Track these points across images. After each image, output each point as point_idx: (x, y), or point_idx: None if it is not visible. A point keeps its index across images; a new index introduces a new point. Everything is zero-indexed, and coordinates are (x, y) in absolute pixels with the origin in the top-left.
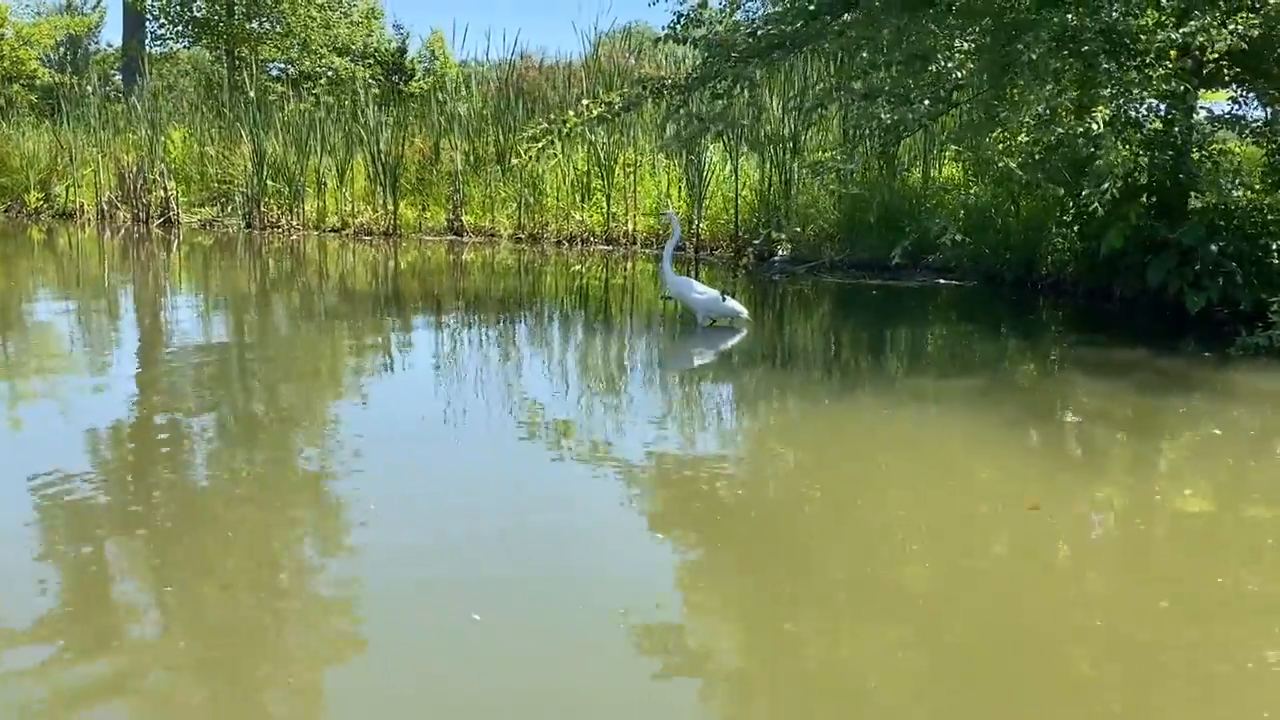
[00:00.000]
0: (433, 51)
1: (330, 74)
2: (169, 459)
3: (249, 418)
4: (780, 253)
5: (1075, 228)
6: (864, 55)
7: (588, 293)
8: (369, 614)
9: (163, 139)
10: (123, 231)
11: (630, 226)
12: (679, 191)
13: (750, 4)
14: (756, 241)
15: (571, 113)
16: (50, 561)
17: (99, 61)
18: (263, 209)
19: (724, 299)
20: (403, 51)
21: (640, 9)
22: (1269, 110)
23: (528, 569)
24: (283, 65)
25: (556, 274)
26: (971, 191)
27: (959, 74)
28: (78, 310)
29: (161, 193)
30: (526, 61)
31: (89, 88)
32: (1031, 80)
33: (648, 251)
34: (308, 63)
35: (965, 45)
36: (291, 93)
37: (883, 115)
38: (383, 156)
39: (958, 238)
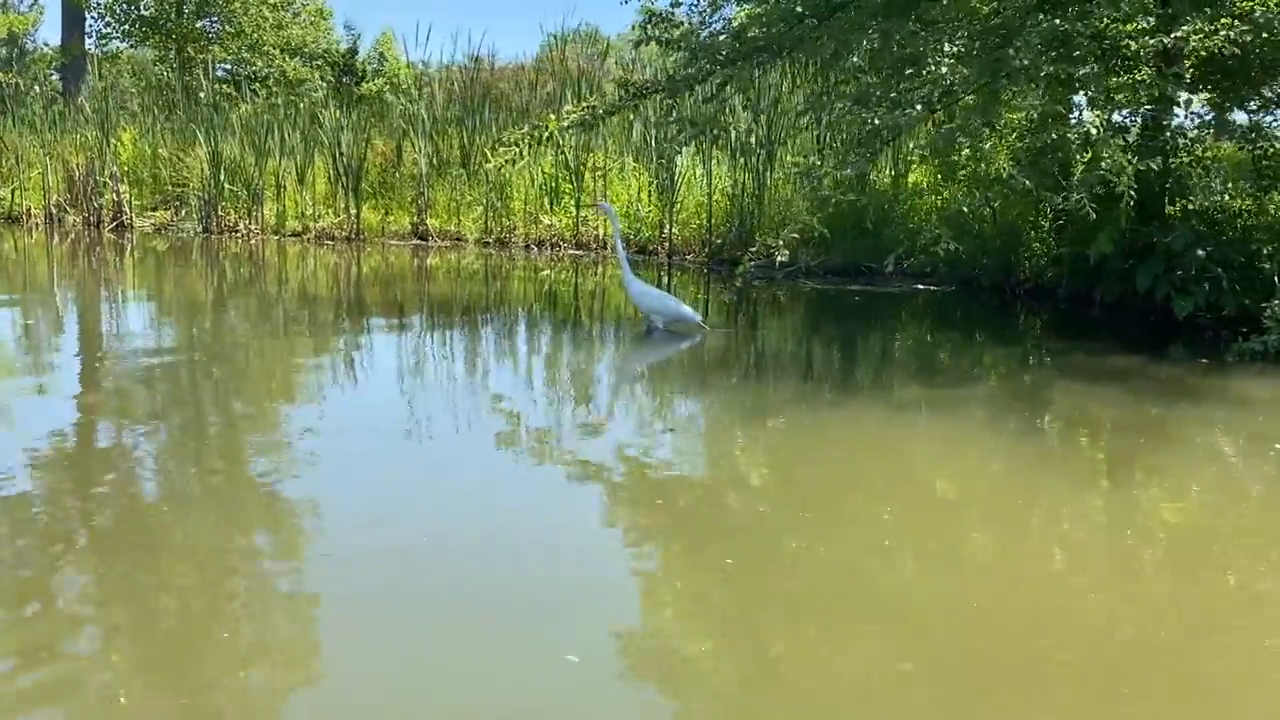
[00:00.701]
0: (382, 53)
1: (278, 75)
2: (114, 468)
3: (199, 426)
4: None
5: (1053, 232)
6: (854, 59)
7: (556, 298)
8: (328, 624)
9: (113, 141)
10: (72, 236)
11: (601, 231)
12: (649, 196)
13: (727, 7)
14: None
15: (553, 116)
16: None
17: (36, 60)
18: (220, 213)
19: (680, 305)
20: (354, 52)
21: (589, 10)
22: (1252, 115)
23: (495, 577)
24: (228, 66)
25: (525, 279)
26: (943, 196)
27: (952, 78)
28: (24, 315)
29: (113, 196)
30: (479, 64)
31: (36, 87)
32: (1026, 84)
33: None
34: (259, 63)
35: (953, 49)
36: (236, 94)
37: (875, 120)
38: (344, 159)
39: (951, 246)
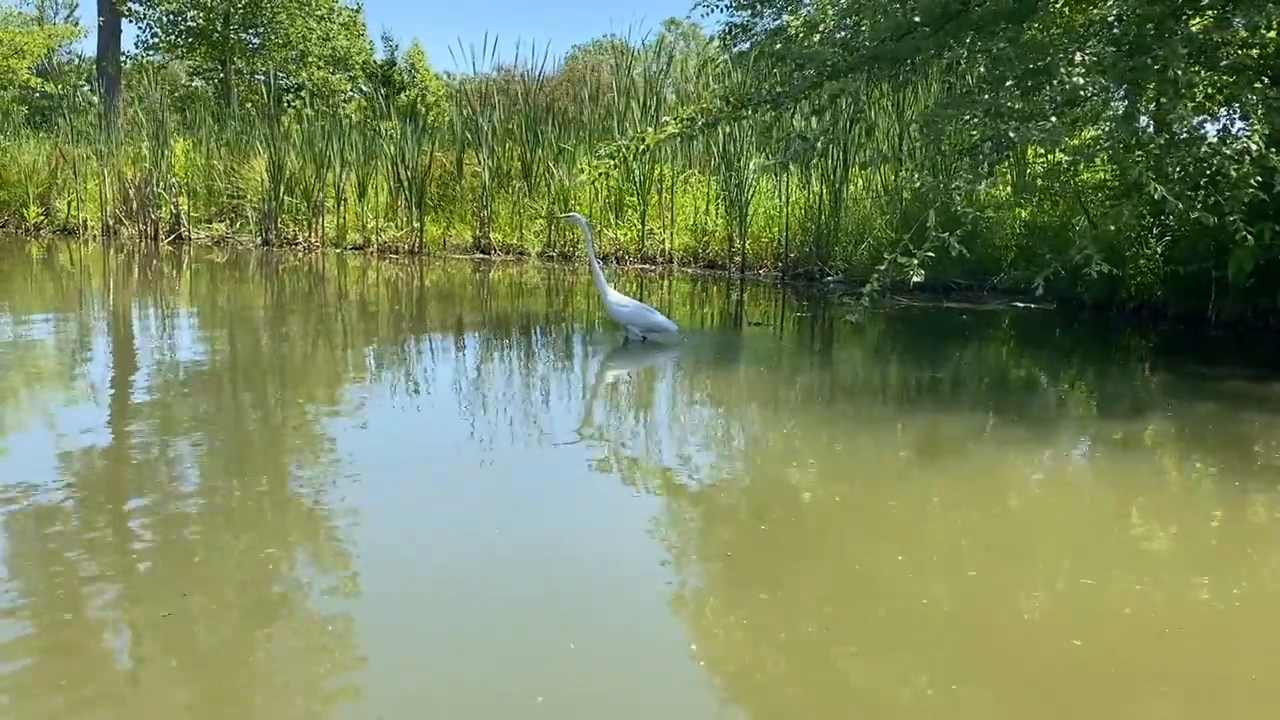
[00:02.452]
0: (413, 64)
1: (312, 87)
2: (160, 481)
3: (250, 437)
4: (831, 274)
5: (1162, 250)
6: (980, 69)
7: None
8: (370, 638)
9: (166, 153)
10: (128, 248)
11: (668, 244)
12: (717, 209)
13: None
14: (803, 259)
15: (651, 129)
16: (23, 584)
17: (70, 72)
18: (279, 225)
19: (656, 315)
20: (391, 63)
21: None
22: None
23: (549, 595)
24: (261, 77)
25: (588, 294)
26: (1025, 212)
27: (1091, 89)
28: (91, 331)
29: (171, 208)
30: (505, 74)
31: (94, 98)
32: (1175, 97)
33: (687, 271)
34: (304, 75)
35: (1085, 58)
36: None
37: (1011, 133)
38: (408, 171)
39: (1105, 269)
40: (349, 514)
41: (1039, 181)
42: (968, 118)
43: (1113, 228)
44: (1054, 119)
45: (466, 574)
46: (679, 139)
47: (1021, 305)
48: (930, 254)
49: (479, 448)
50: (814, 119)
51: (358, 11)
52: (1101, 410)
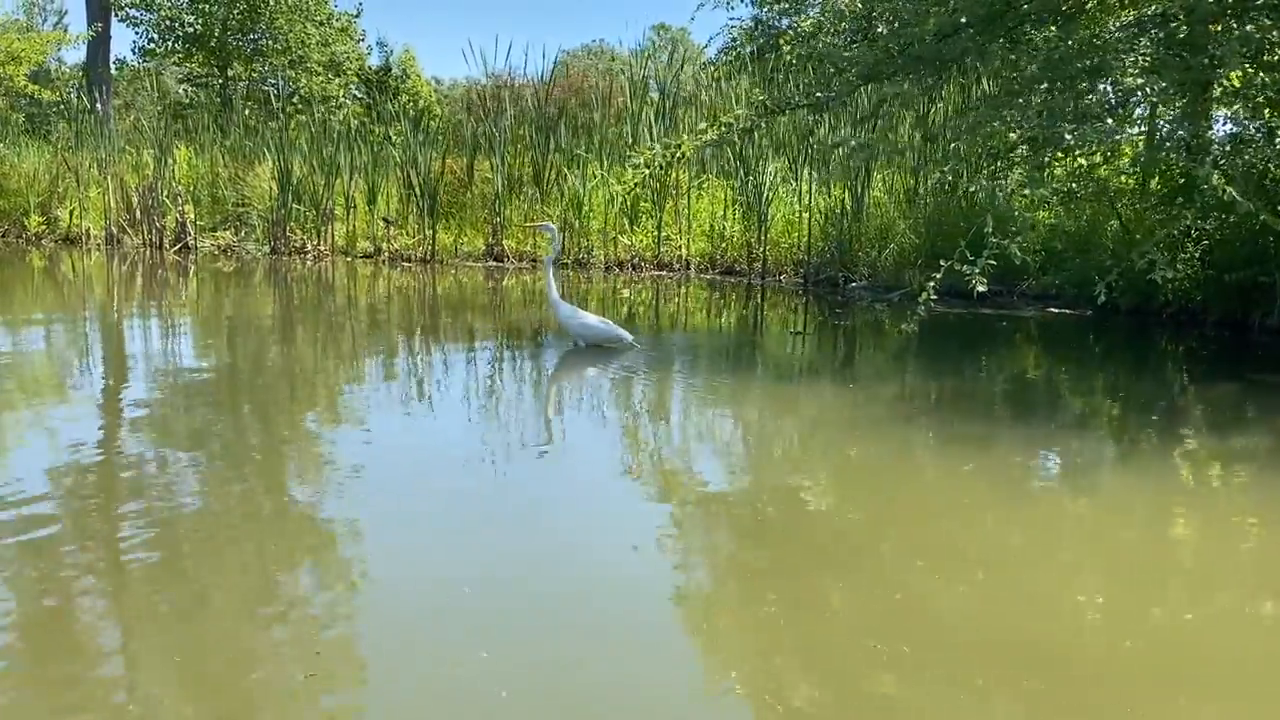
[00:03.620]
0: (404, 70)
1: (305, 92)
2: (160, 492)
3: (251, 453)
4: (854, 280)
5: (1201, 254)
6: (1033, 68)
7: (635, 321)
8: (370, 652)
9: (169, 160)
10: (133, 258)
11: (685, 251)
12: (734, 214)
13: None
14: (826, 265)
15: (686, 135)
16: (13, 599)
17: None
18: (287, 233)
19: (610, 326)
20: (387, 69)
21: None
22: None
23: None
24: (248, 82)
25: (604, 301)
26: (1050, 215)
27: (1146, 90)
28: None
29: (176, 216)
30: (495, 80)
31: (97, 105)
32: (1233, 99)
33: (704, 277)
34: (303, 80)
35: (1139, 59)
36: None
37: (1067, 135)
38: (419, 177)
39: (1170, 274)
40: (349, 525)
41: (1073, 185)
42: (1016, 118)
43: (1166, 232)
44: (1110, 120)
45: (471, 586)
46: (716, 145)
47: (1056, 311)
48: (992, 261)
49: (489, 459)
50: (853, 125)
51: (357, 15)
52: (1181, 423)
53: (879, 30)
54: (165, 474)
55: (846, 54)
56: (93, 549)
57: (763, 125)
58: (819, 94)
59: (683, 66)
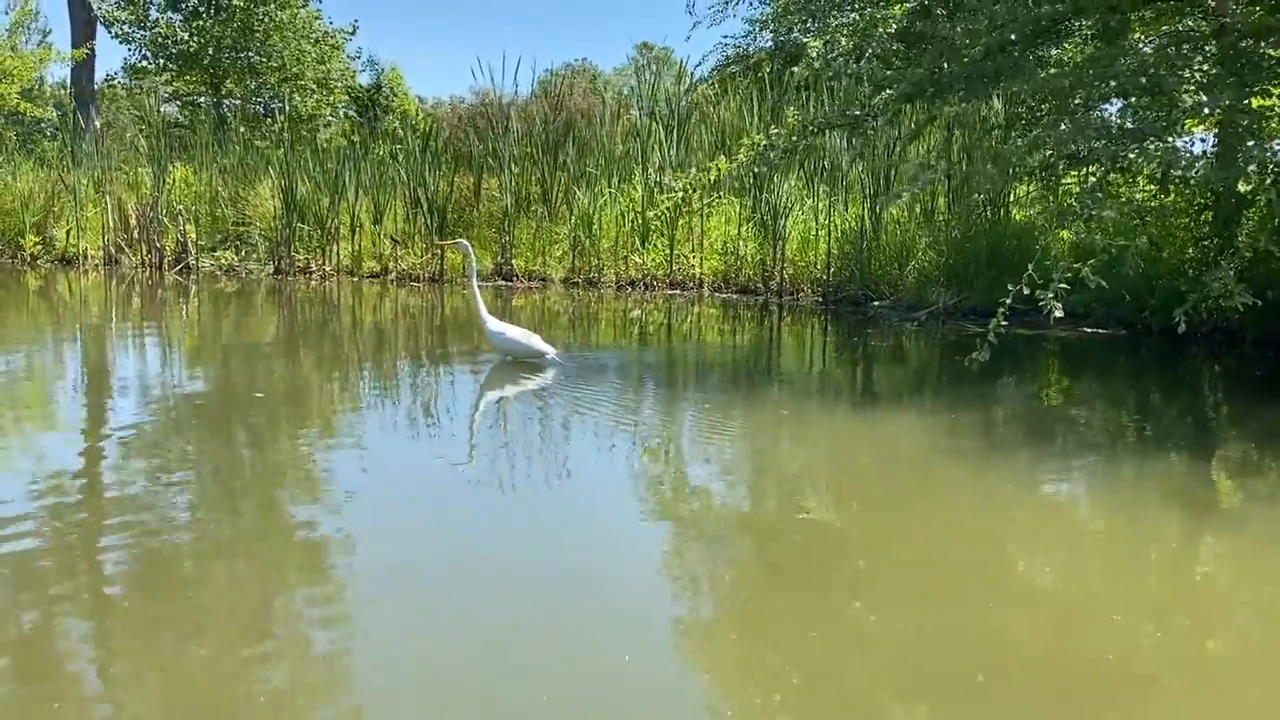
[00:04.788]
0: (392, 88)
1: (296, 111)
2: (153, 515)
3: (250, 474)
4: (877, 299)
5: (1237, 271)
6: (1099, 85)
7: (645, 340)
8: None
9: (166, 179)
10: (131, 278)
11: (698, 269)
12: (748, 232)
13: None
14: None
15: (723, 158)
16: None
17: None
18: (292, 253)
19: (535, 341)
20: (378, 87)
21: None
22: None
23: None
24: (236, 101)
25: (612, 321)
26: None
27: (1208, 106)
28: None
29: (177, 236)
30: (484, 98)
31: (96, 123)
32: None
33: (719, 296)
34: (298, 98)
35: (1196, 75)
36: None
37: (1131, 154)
38: (428, 196)
39: (1251, 300)
40: (345, 544)
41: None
42: (1066, 136)
43: (1264, 245)
44: (1170, 140)
45: (470, 608)
46: (754, 167)
47: (1089, 330)
48: (1064, 285)
49: (499, 484)
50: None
51: (352, 33)
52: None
53: (923, 49)
54: (153, 497)
55: (890, 72)
56: (83, 570)
57: (802, 146)
58: (857, 112)
59: (693, 86)
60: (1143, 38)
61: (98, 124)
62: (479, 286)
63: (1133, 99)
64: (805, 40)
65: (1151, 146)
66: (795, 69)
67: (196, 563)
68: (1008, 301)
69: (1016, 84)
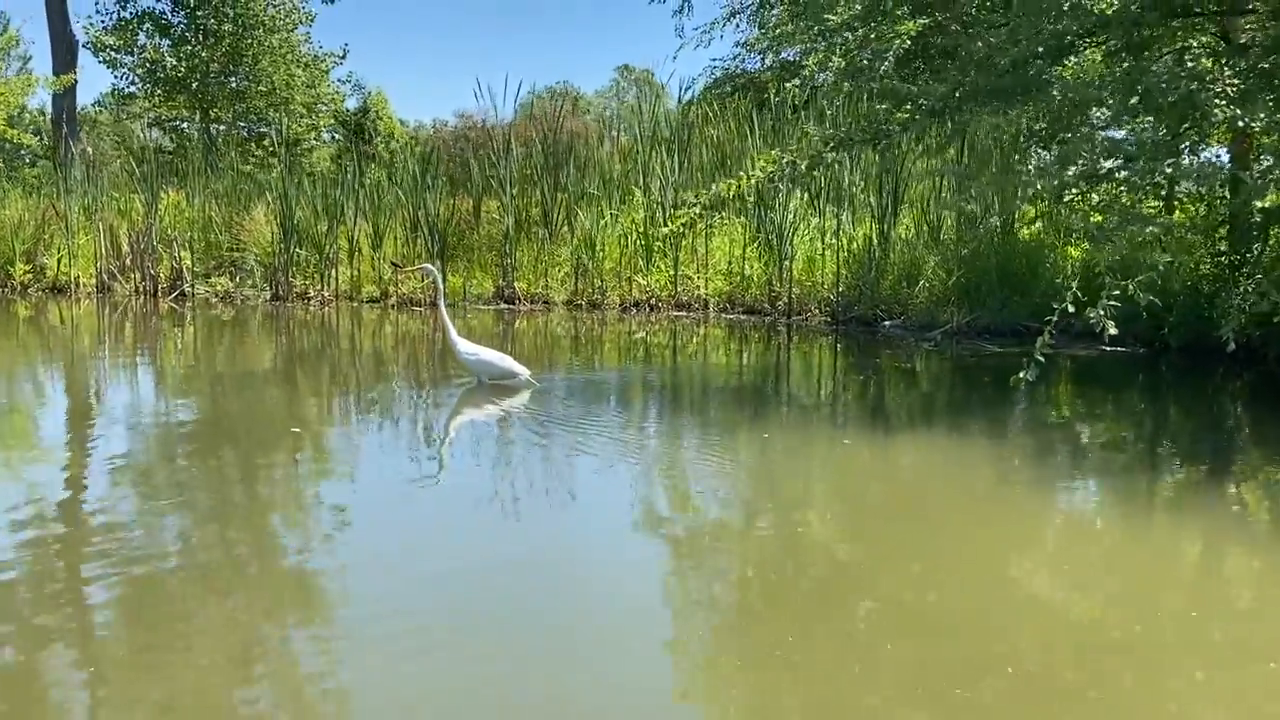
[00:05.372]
0: (376, 112)
1: (282, 135)
2: (139, 545)
3: (241, 501)
4: (887, 319)
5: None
6: (1134, 100)
7: (653, 361)
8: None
9: (159, 205)
10: (124, 306)
11: (703, 290)
12: (753, 252)
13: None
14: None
15: (743, 174)
16: None
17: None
18: (290, 278)
19: (508, 362)
20: (364, 110)
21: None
22: None
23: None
24: (220, 126)
25: (620, 345)
26: (1078, 251)
27: (1237, 116)
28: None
29: (172, 263)
30: (469, 121)
31: (87, 149)
32: None
33: (725, 317)
34: (287, 123)
35: (1228, 89)
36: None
37: (1167, 170)
38: (429, 219)
39: None
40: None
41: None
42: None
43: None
44: (1207, 155)
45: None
46: (774, 183)
47: (1105, 349)
48: (1116, 304)
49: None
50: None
51: (343, 58)
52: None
53: (944, 63)
54: (140, 527)
55: (916, 87)
56: (69, 598)
57: (826, 160)
58: (880, 127)
59: (687, 108)
60: (1158, 51)
61: (90, 150)
62: (447, 308)
63: (1153, 115)
64: (801, 61)
65: (1187, 162)
66: (794, 84)
67: (186, 592)
68: (1053, 320)
69: (1044, 98)
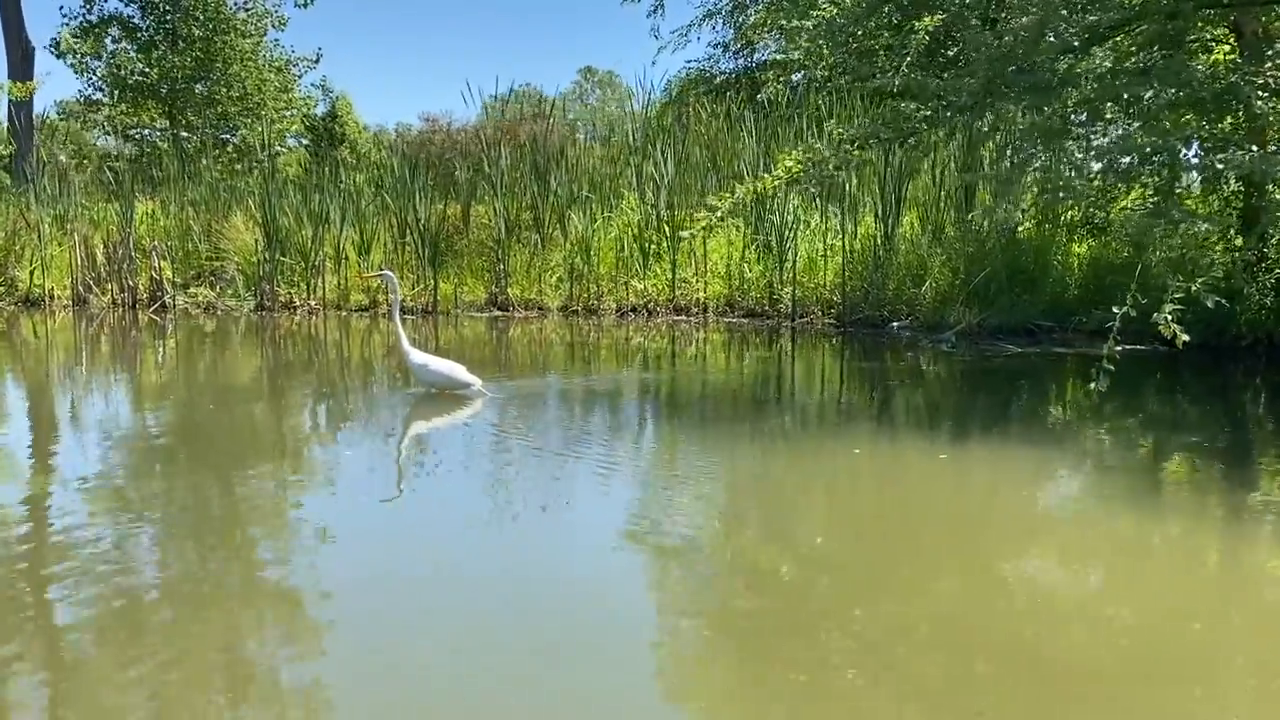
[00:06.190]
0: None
1: (245, 141)
2: (121, 561)
3: (224, 519)
4: (894, 320)
5: (1270, 282)
6: (1171, 93)
7: (650, 365)
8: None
9: (133, 214)
10: (100, 319)
11: (702, 293)
12: (752, 254)
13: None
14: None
15: (766, 175)
16: None
17: None
18: (274, 287)
19: (460, 372)
20: (333, 116)
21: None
22: None
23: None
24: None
25: (617, 351)
26: (1086, 249)
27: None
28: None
29: (152, 273)
30: (434, 125)
31: (61, 157)
32: None
33: (725, 321)
34: (259, 129)
35: (1268, 80)
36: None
37: (1219, 163)
38: (419, 224)
39: None
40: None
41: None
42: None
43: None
44: (1256, 148)
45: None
46: (795, 185)
47: (1126, 347)
48: (1179, 307)
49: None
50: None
51: (316, 62)
52: None
53: (969, 58)
54: (123, 539)
55: (945, 81)
56: (41, 617)
57: (854, 160)
58: (905, 125)
59: (669, 105)
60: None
61: (63, 159)
62: (401, 319)
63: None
64: (787, 57)
65: (1237, 154)
66: (777, 83)
67: (166, 609)
68: (1115, 324)
69: (1079, 92)
